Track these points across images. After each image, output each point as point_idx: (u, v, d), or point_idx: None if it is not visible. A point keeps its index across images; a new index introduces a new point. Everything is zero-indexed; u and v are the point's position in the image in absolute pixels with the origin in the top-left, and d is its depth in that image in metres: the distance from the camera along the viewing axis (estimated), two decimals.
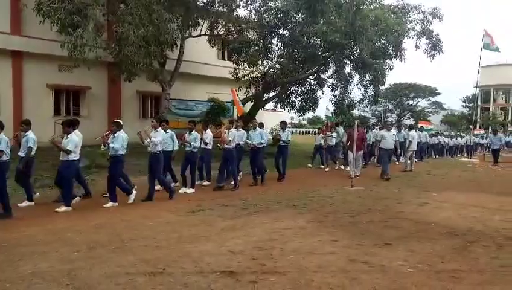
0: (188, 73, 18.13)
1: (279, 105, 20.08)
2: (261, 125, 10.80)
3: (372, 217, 6.30)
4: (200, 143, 8.89)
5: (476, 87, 32.15)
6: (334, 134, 13.61)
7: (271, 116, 27.87)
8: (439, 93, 53.82)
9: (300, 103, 19.50)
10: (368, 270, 3.95)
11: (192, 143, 8.64)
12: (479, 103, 48.49)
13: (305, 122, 65.93)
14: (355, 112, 31.37)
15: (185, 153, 8.84)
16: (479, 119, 46.33)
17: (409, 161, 13.36)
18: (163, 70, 15.48)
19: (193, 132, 8.79)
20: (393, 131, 10.65)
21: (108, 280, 3.63)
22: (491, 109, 52.75)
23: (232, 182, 9.22)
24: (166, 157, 8.37)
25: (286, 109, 20.16)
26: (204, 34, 16.93)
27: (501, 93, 55.54)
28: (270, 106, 21.44)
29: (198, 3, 15.53)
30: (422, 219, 6.19)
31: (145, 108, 18.88)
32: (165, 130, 8.54)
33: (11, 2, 14.11)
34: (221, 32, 17.26)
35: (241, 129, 9.55)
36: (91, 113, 16.44)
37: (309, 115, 27.56)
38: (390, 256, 4.39)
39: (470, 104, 52.94)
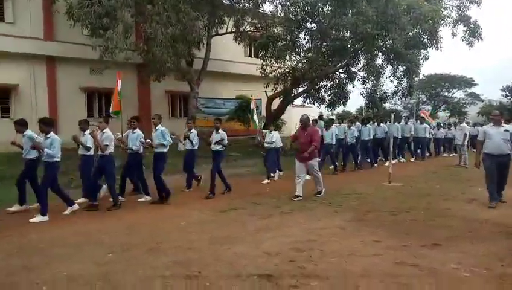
0: (216, 71, 18.08)
1: (308, 100, 19.63)
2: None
3: (416, 216, 5.88)
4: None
5: None
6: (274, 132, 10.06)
7: (300, 112, 27.39)
8: (475, 84, 51.16)
9: (330, 97, 18.99)
10: (419, 274, 3.61)
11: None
12: None
13: (333, 117, 64.71)
14: (387, 105, 30.35)
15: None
16: None
17: (466, 155, 12.46)
18: (190, 69, 15.48)
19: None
20: (508, 126, 6.53)
21: (144, 284, 3.50)
22: None
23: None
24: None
25: (316, 104, 19.67)
26: (231, 32, 16.80)
27: None
28: (299, 101, 21.02)
29: (224, 0, 15.41)
30: (471, 217, 5.72)
31: (174, 107, 19.03)
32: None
33: (44, 8, 14.50)
34: (248, 29, 17.06)
35: (137, 130, 7.38)
36: (122, 114, 16.66)
37: (339, 109, 26.79)
38: (441, 258, 4.02)
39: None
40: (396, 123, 13.21)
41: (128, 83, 16.77)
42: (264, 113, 18.48)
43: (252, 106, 12.76)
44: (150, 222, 5.89)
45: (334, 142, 10.88)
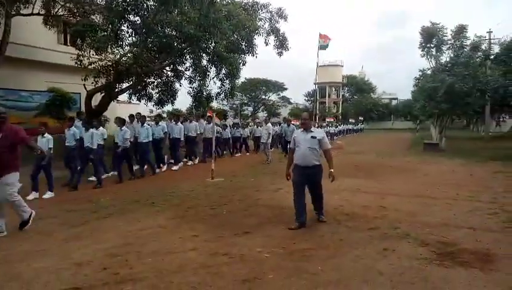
0: (20, 58, 15.32)
1: (134, 97, 18.80)
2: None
3: (232, 207, 6.41)
4: None
5: (315, 84, 36.88)
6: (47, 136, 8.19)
7: (126, 109, 25.97)
8: (286, 88, 59.98)
9: (158, 95, 18.69)
10: (229, 261, 3.94)
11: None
12: (318, 97, 55.67)
13: (165, 115, 64.37)
14: (214, 105, 32.02)
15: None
16: (318, 112, 53.27)
17: (270, 151, 14.22)
18: None
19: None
20: (316, 131, 5.52)
21: None
22: (326, 103, 61.36)
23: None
24: None
25: (142, 101, 19.02)
26: (38, 13, 14.48)
27: (334, 89, 65.14)
28: (124, 97, 19.88)
29: None
30: (277, 204, 6.60)
31: None
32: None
33: None
34: (61, 13, 15.06)
35: None
36: None
37: (169, 107, 26.70)
38: (249, 244, 4.50)
39: (312, 99, 60.44)
40: (179, 124, 12.88)
41: None
42: (83, 108, 16.71)
43: None
44: None
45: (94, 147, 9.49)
